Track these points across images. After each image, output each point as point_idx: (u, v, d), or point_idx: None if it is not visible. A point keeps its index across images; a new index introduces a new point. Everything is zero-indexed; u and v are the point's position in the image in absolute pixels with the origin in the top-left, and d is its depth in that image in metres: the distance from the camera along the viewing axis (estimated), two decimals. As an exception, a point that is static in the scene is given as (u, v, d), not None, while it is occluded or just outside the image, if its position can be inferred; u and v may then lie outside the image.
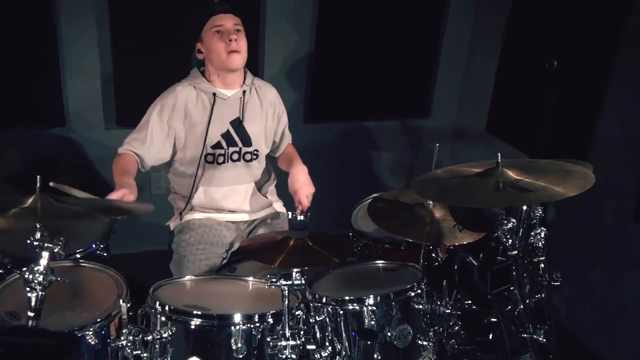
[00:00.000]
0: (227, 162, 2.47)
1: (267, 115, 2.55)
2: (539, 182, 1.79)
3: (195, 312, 1.65)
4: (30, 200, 1.63)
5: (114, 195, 2.02)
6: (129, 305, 1.98)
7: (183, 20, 3.02)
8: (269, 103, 2.56)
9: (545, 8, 3.16)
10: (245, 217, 2.56)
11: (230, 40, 2.30)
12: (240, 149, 2.47)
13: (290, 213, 1.64)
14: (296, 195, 2.39)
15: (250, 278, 1.90)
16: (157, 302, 1.70)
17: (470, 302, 2.04)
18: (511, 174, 1.85)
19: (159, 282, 1.85)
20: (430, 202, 2.20)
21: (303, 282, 1.59)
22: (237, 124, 2.44)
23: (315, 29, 3.48)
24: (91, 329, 2.00)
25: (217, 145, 2.43)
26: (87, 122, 3.30)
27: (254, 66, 3.37)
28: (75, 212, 1.66)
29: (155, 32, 3.22)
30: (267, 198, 2.62)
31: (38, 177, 1.63)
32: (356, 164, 3.93)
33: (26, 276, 1.61)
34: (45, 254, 1.63)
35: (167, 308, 1.66)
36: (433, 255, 2.35)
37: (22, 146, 2.77)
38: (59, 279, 1.66)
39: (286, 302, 1.57)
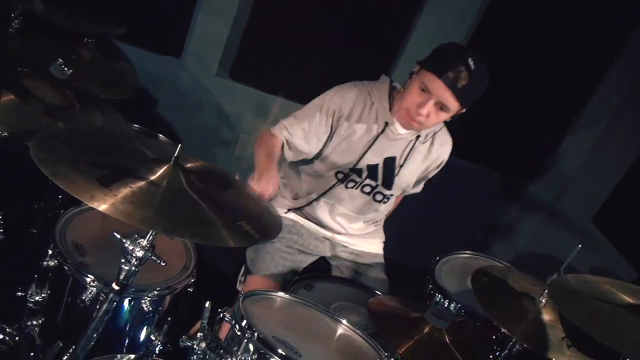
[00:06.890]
0: (356, 189, 2.21)
1: (424, 167, 2.27)
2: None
3: (281, 351, 1.45)
4: (160, 171, 1.44)
5: (256, 187, 1.79)
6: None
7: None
8: (437, 157, 2.26)
9: None
10: (342, 238, 2.35)
11: (421, 111, 1.95)
12: (377, 185, 2.20)
13: (439, 296, 1.42)
14: None
15: (345, 322, 1.70)
16: (245, 321, 1.50)
17: None
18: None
19: (248, 292, 1.66)
20: (543, 300, 1.97)
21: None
22: (392, 164, 2.16)
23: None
24: (148, 296, 1.88)
25: (358, 172, 2.16)
26: (201, 61, 3.11)
27: (385, 67, 3.15)
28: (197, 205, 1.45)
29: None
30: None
31: (180, 146, 1.42)
32: (440, 198, 3.64)
33: (126, 245, 1.43)
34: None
35: (256, 335, 1.46)
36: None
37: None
38: (158, 260, 1.47)
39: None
